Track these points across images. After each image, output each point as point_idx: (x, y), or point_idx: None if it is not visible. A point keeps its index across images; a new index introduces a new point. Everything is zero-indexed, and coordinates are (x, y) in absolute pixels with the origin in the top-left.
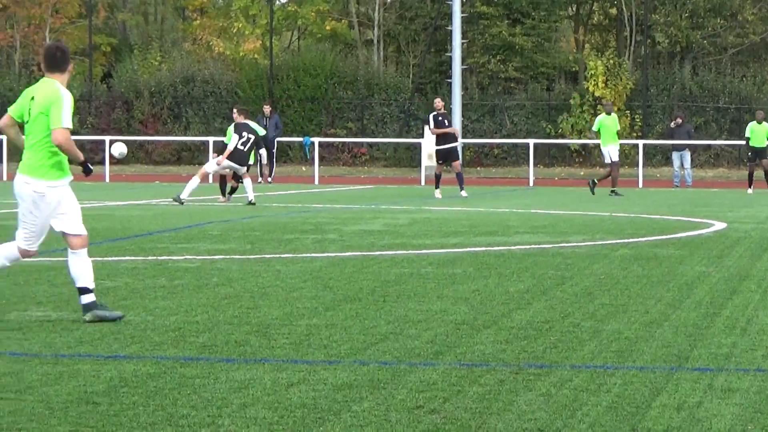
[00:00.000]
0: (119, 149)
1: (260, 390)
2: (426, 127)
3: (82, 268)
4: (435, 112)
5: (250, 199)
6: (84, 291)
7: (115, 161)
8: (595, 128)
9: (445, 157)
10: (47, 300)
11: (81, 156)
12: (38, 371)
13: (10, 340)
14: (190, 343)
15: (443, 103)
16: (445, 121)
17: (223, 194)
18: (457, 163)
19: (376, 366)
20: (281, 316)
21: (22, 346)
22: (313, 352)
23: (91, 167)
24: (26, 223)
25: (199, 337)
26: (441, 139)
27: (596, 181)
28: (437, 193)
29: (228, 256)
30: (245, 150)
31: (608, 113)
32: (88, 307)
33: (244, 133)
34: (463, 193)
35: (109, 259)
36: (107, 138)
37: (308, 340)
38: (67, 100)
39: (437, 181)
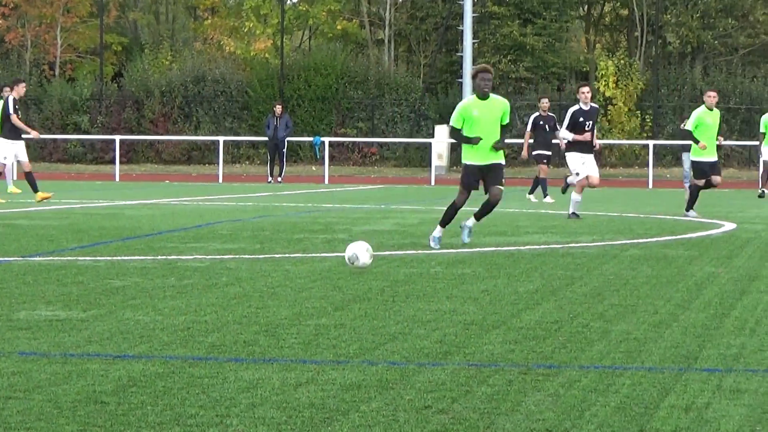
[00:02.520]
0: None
1: (268, 390)
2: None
3: None
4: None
5: None
6: None
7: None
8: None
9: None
10: (56, 299)
11: None
12: (47, 370)
13: (19, 339)
14: (199, 343)
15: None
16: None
17: None
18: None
19: (385, 366)
20: (290, 316)
21: (31, 346)
22: (322, 352)
23: None
24: None
25: (208, 336)
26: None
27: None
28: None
29: (238, 256)
30: None
31: None
32: None
33: None
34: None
35: (119, 258)
36: (117, 137)
37: (317, 340)
38: None
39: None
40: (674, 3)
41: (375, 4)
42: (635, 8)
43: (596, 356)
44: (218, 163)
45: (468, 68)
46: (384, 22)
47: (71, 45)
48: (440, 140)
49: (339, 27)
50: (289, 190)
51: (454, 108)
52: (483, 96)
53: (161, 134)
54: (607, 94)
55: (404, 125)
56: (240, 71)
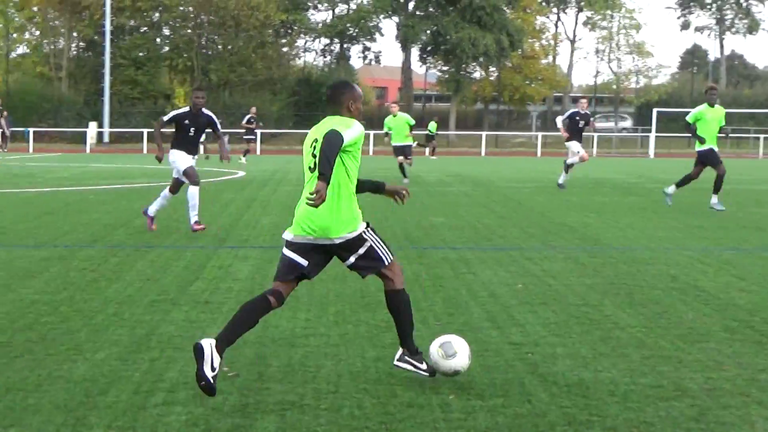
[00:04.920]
0: None
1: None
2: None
3: None
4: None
5: None
6: None
7: None
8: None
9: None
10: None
11: None
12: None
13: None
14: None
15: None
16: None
17: None
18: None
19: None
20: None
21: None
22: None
23: None
24: None
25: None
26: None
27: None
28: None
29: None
30: None
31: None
32: None
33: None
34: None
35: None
36: None
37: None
38: None
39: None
40: (215, 59)
41: (56, 58)
42: (194, 61)
43: (194, 241)
44: None
45: (107, 90)
46: (62, 67)
47: None
48: (92, 128)
49: (38, 70)
50: None
51: (99, 113)
52: (711, 103)
53: None
54: (180, 104)
55: (73, 121)
56: None
